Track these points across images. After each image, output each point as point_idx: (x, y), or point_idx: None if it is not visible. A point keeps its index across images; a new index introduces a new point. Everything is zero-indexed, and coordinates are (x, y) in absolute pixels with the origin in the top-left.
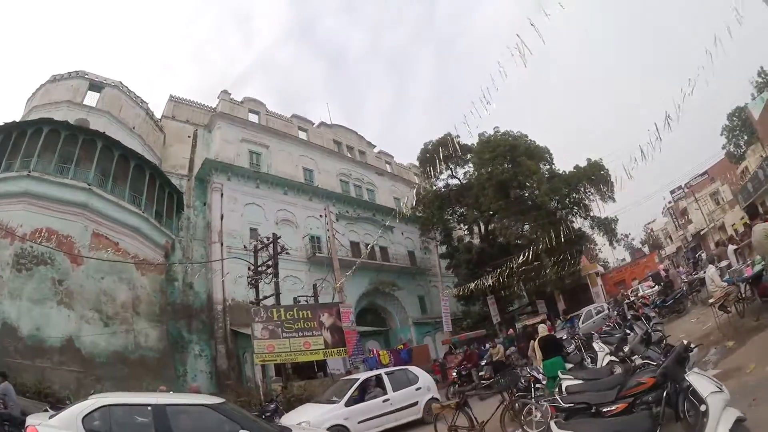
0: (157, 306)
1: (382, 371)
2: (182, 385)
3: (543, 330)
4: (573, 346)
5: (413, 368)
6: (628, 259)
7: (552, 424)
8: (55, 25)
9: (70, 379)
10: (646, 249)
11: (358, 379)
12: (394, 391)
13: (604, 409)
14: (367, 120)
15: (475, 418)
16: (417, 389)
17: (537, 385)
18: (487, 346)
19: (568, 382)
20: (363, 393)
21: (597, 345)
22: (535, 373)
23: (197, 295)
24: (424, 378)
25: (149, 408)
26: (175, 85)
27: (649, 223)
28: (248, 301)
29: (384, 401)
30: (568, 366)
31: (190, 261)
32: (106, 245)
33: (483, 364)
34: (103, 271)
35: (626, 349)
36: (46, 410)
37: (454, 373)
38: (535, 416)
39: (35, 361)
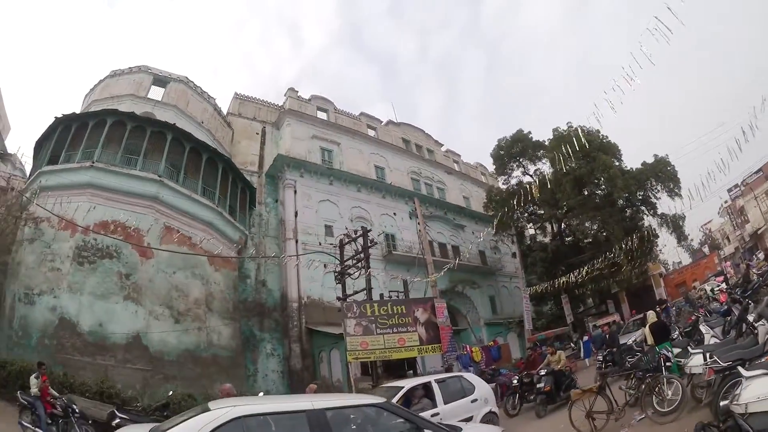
0: (230, 303)
1: (432, 379)
2: (252, 385)
3: (652, 317)
4: (677, 332)
5: (469, 376)
6: (685, 262)
7: (741, 370)
8: (96, 33)
9: (136, 378)
10: (705, 250)
11: (402, 387)
12: (445, 404)
13: (758, 362)
14: (422, 121)
15: (615, 400)
16: (473, 401)
17: (667, 363)
18: (543, 348)
19: (697, 355)
20: (407, 404)
21: (703, 327)
22: (665, 352)
23: (270, 292)
24: (482, 388)
25: (304, 415)
26: (223, 90)
27: (705, 224)
28: (335, 298)
29: (432, 416)
30: (676, 350)
31: (266, 256)
32: (179, 239)
33: (542, 374)
34: (175, 266)
35: (753, 315)
36: (114, 413)
37: (515, 381)
38: (667, 393)
39: (96, 358)
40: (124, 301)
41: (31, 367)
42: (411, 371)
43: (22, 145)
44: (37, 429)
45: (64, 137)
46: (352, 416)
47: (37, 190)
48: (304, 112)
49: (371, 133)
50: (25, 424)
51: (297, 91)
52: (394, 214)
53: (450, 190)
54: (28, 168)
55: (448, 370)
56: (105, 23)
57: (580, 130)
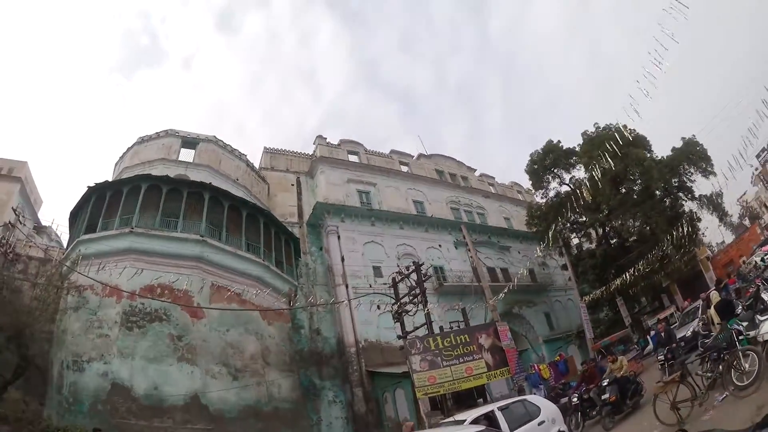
0: (287, 355)
1: (494, 407)
2: None
3: (716, 296)
4: (739, 308)
5: (533, 398)
6: (728, 240)
7: None
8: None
9: None
10: (746, 222)
11: (464, 421)
12: (511, 431)
13: None
14: (451, 150)
15: (698, 385)
16: (540, 423)
17: (739, 338)
18: (596, 358)
19: (766, 321)
20: None
21: (765, 295)
22: (735, 326)
23: (326, 340)
24: (547, 408)
25: None
26: (251, 146)
27: (741, 197)
28: (396, 337)
29: None
30: (744, 324)
31: (319, 304)
32: (229, 297)
33: (605, 384)
34: (228, 324)
35: None
36: None
37: (575, 399)
38: (745, 366)
39: (153, 421)
40: (178, 363)
41: None
42: (480, 399)
43: (56, 217)
44: None
45: (100, 205)
46: None
47: (79, 258)
48: (336, 158)
49: (404, 169)
50: None
51: (325, 138)
52: (439, 246)
53: (490, 214)
54: (64, 239)
55: (520, 391)
56: (125, 95)
57: (613, 128)
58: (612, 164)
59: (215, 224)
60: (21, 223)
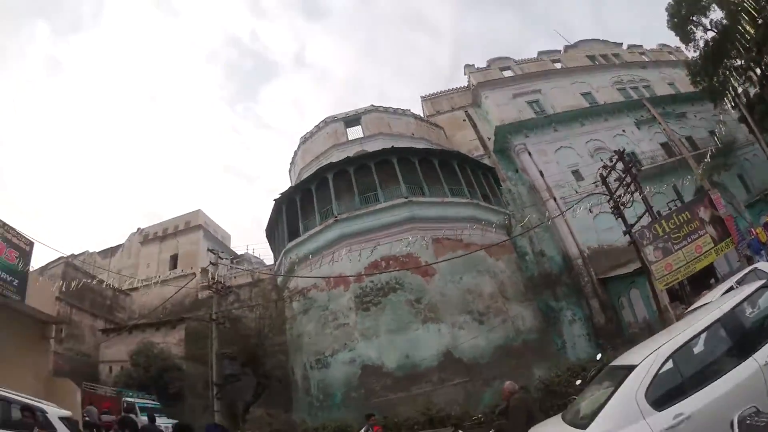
0: (521, 285)
1: (731, 282)
2: (563, 357)
3: None
4: None
5: (763, 265)
6: None
7: None
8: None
9: (457, 392)
10: None
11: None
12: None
13: None
14: (584, 33)
15: None
16: None
17: None
18: None
19: None
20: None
21: None
22: None
23: (551, 259)
24: None
25: (718, 323)
26: (404, 102)
27: None
28: (622, 233)
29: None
30: None
31: (535, 226)
32: (451, 246)
33: None
34: (459, 271)
35: None
36: None
37: None
38: None
39: (410, 390)
40: (423, 325)
41: (345, 425)
42: (712, 279)
43: (243, 243)
44: None
45: (292, 212)
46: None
47: (296, 262)
48: (492, 79)
49: (558, 65)
50: None
51: (472, 65)
52: (623, 131)
53: (654, 84)
54: (264, 258)
55: (749, 260)
56: (259, 117)
57: None
58: None
59: (413, 182)
60: (220, 258)
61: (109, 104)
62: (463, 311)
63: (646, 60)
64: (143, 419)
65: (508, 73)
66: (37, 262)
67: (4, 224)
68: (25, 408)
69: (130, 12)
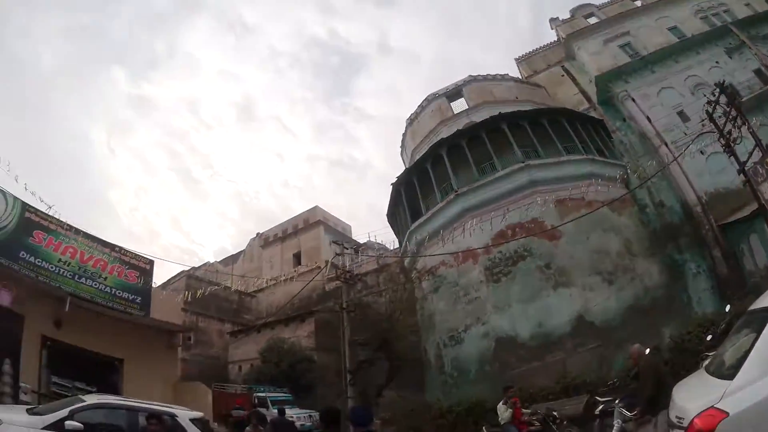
0: (645, 239)
1: None
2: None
3: None
4: None
5: None
6: None
7: None
8: None
9: (589, 358)
10: None
11: None
12: None
13: None
14: None
15: None
16: None
17: None
18: None
19: None
20: None
21: None
22: None
23: (671, 209)
24: None
25: None
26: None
27: None
28: (737, 172)
29: None
30: None
31: (651, 176)
32: (574, 206)
33: None
34: (585, 231)
35: None
36: (595, 400)
37: None
38: None
39: (544, 359)
40: (555, 291)
41: (479, 401)
42: None
43: (364, 231)
44: None
45: (412, 193)
46: None
47: (421, 242)
48: (579, 29)
49: (638, 3)
50: None
51: (557, 17)
52: (716, 63)
53: (731, 6)
54: (386, 243)
55: None
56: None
57: None
58: None
59: (526, 146)
60: (345, 248)
61: (206, 126)
62: (593, 272)
63: None
64: (274, 412)
65: (593, 20)
66: (159, 279)
67: (121, 248)
68: (151, 416)
69: (203, 41)
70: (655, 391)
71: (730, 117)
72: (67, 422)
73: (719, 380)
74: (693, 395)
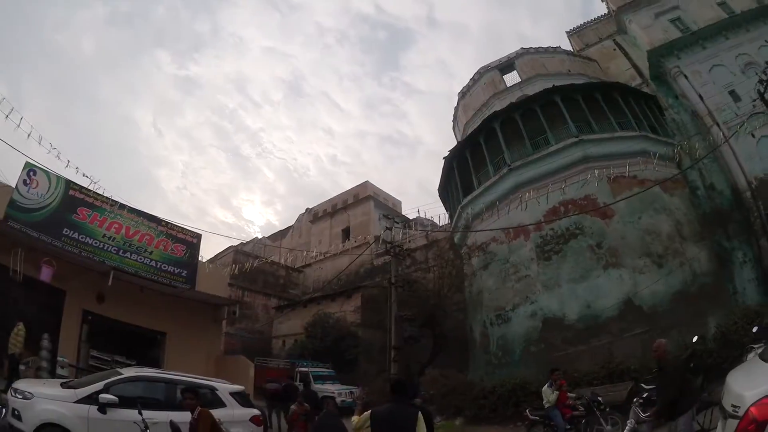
0: (696, 223)
1: None
2: (732, 306)
3: None
4: None
5: None
6: None
7: None
8: None
9: (634, 343)
10: None
11: None
12: None
13: None
14: None
15: None
16: None
17: None
18: None
19: None
20: None
21: None
22: None
23: (721, 193)
24: None
25: None
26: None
27: None
28: None
29: None
30: None
31: (703, 156)
32: (627, 184)
33: None
34: (637, 210)
35: None
36: (640, 386)
37: None
38: None
39: (590, 342)
40: (605, 272)
41: (523, 383)
42: None
43: (413, 207)
44: None
45: (464, 167)
46: None
47: (472, 217)
48: (629, 1)
49: None
50: None
51: None
52: (766, 41)
53: None
54: (435, 219)
55: None
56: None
57: None
58: None
59: (580, 121)
60: (396, 222)
61: (254, 104)
62: (643, 254)
63: None
64: (317, 386)
65: None
66: (207, 255)
67: (167, 223)
68: (186, 389)
69: (247, 20)
70: (678, 395)
71: None
72: (102, 395)
73: None
74: (752, 383)
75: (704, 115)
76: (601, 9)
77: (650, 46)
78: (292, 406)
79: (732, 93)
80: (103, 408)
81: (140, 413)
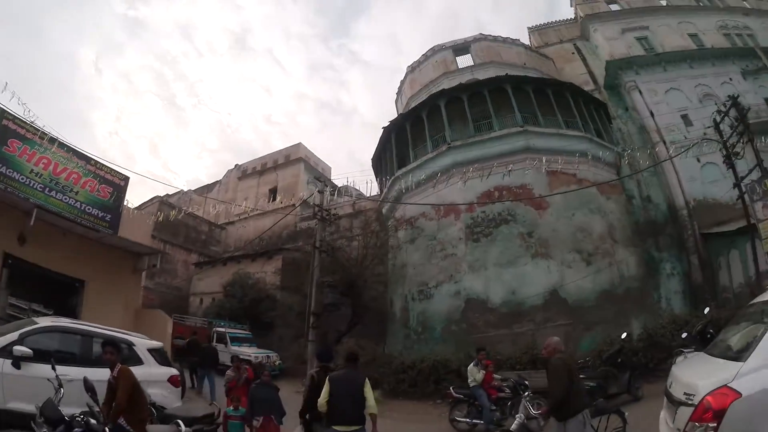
0: (628, 229)
1: None
2: (656, 313)
3: None
4: None
5: None
6: None
7: None
8: None
9: (557, 334)
10: None
11: None
12: None
13: None
14: None
15: None
16: None
17: None
18: None
19: None
20: None
21: None
22: None
23: (657, 207)
24: None
25: None
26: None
27: None
28: (732, 187)
29: None
30: None
31: (645, 168)
32: (565, 180)
33: None
34: (572, 207)
35: None
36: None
37: None
38: None
39: (512, 328)
40: (533, 260)
41: (444, 360)
42: None
43: (342, 175)
44: (475, 420)
45: (402, 140)
46: None
47: (404, 190)
48: (600, 12)
49: (663, 2)
50: (459, 418)
51: None
52: (730, 79)
53: (757, 33)
54: (363, 190)
55: None
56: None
57: None
58: None
59: (527, 112)
60: (325, 185)
61: (198, 52)
62: (573, 249)
63: (748, 7)
64: (234, 348)
65: (614, 7)
66: (132, 203)
67: (96, 162)
68: (107, 342)
69: None
70: (565, 396)
71: (737, 131)
72: (15, 347)
73: (730, 361)
74: (703, 373)
75: (652, 131)
76: (566, 14)
77: (610, 57)
78: (228, 372)
79: (684, 117)
80: (17, 362)
81: (54, 368)
